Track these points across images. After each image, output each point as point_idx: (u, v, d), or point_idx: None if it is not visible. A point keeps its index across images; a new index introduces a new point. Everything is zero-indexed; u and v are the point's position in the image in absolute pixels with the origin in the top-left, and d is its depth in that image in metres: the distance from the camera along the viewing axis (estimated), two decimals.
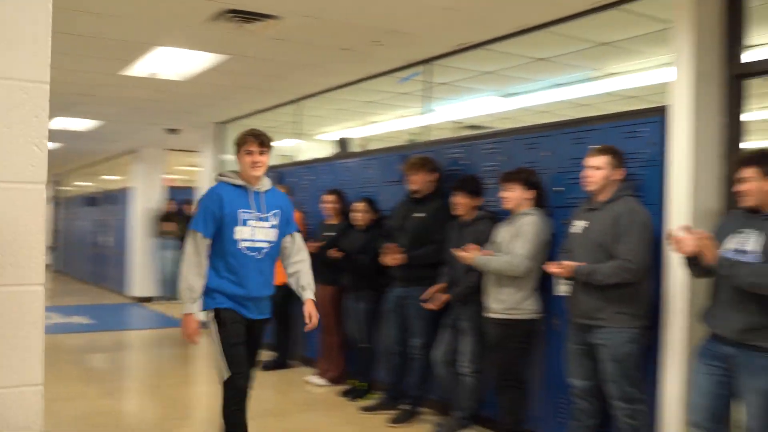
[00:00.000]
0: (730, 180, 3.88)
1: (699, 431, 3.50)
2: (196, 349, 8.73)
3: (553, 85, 7.24)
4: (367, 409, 5.59)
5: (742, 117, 4.12)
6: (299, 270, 4.08)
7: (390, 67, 6.42)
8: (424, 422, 5.29)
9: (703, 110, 4.05)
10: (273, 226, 3.95)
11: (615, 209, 3.94)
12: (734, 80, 4.13)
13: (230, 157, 9.90)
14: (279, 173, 7.96)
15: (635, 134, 4.24)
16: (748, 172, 3.39)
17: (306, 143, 9.47)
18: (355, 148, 8.32)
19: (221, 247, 3.84)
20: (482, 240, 4.78)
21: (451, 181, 5.24)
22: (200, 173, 10.51)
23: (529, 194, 4.59)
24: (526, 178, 4.61)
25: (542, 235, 4.52)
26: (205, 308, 3.85)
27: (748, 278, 3.24)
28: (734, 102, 4.14)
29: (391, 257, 5.33)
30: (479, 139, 5.55)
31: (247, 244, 3.86)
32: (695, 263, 3.49)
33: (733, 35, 4.12)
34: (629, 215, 3.88)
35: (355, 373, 6.23)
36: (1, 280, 1.56)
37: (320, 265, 6.40)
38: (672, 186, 4.04)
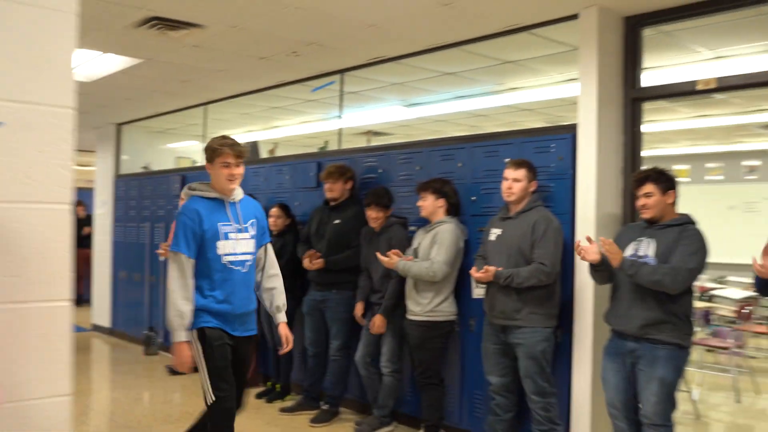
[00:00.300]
0: (629, 192, 4.35)
1: (618, 420, 3.93)
2: (91, 355, 8.57)
3: (455, 97, 7.62)
4: (286, 410, 5.73)
5: (640, 135, 4.60)
6: (275, 287, 3.95)
7: (304, 76, 6.58)
8: (343, 421, 5.50)
9: (606, 129, 4.48)
10: (252, 236, 3.80)
11: (530, 218, 4.29)
12: (633, 103, 4.59)
13: (126, 157, 9.75)
14: (183, 177, 7.95)
15: (546, 149, 4.61)
16: (648, 188, 3.83)
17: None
18: (262, 152, 8.41)
19: (205, 265, 3.63)
20: (395, 244, 5.04)
21: (366, 188, 5.48)
22: (96, 173, 10.24)
23: (441, 203, 4.88)
24: (437, 187, 4.91)
25: (458, 242, 4.82)
26: (189, 328, 3.64)
27: (650, 277, 3.67)
28: (633, 122, 4.60)
29: (311, 262, 5.50)
30: (395, 149, 5.80)
31: (231, 258, 3.68)
32: (598, 269, 3.91)
33: (632, 62, 4.58)
34: (544, 223, 4.24)
35: (271, 375, 6.34)
36: (32, 296, 1.65)
37: None
38: (579, 197, 4.44)
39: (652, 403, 3.74)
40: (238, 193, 3.80)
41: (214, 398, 3.60)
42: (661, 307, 3.72)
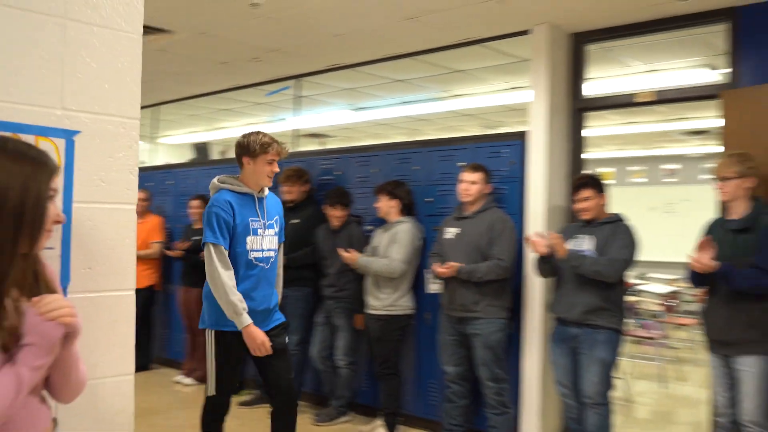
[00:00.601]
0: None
1: (568, 398, 4.35)
2: None
3: (400, 102, 7.94)
4: (244, 404, 5.93)
5: (583, 142, 5.01)
6: (278, 285, 3.94)
7: (259, 80, 6.78)
8: (301, 413, 5.69)
9: (554, 136, 4.87)
10: (276, 234, 3.81)
11: (487, 218, 4.64)
12: (577, 112, 5.00)
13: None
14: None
15: (498, 154, 4.97)
16: (587, 193, 4.27)
17: (156, 146, 9.52)
18: (211, 153, 8.54)
19: (232, 259, 3.59)
20: (353, 242, 5.33)
21: (323, 189, 5.74)
22: None
23: (394, 204, 5.19)
24: (390, 189, 5.22)
25: (415, 241, 5.13)
26: (207, 325, 3.67)
27: (592, 267, 4.11)
28: (577, 130, 5.01)
29: None
30: (352, 152, 6.08)
31: (257, 254, 3.67)
32: (546, 261, 4.31)
33: (577, 75, 4.98)
34: (501, 223, 4.60)
35: None
36: (102, 287, 1.85)
37: (187, 267, 6.64)
38: (530, 198, 4.82)
39: (593, 383, 4.16)
40: (265, 189, 3.79)
41: (213, 393, 3.68)
42: (600, 295, 4.17)
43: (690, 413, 6.31)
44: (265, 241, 3.71)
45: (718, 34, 4.59)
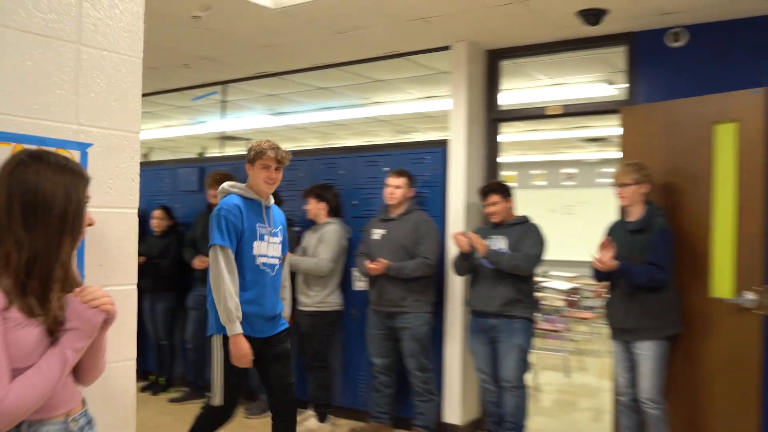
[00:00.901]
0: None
1: (488, 383, 4.78)
2: None
3: (319, 108, 8.24)
4: (174, 400, 6.10)
5: (498, 150, 5.46)
6: (284, 299, 3.94)
7: (185, 85, 6.94)
8: None
9: (472, 144, 5.29)
10: (280, 242, 3.84)
11: (412, 219, 5.01)
12: (493, 122, 5.44)
13: None
14: None
15: (421, 161, 5.36)
16: (495, 198, 4.73)
17: None
18: None
19: (239, 264, 3.60)
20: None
21: None
22: None
23: (322, 206, 5.50)
24: (318, 192, 5.53)
25: (342, 241, 5.46)
26: (215, 331, 3.62)
27: (510, 262, 4.57)
28: (493, 138, 5.45)
29: (200, 261, 5.91)
30: None
31: (264, 260, 3.69)
32: (465, 259, 4.73)
33: (492, 88, 5.43)
34: (425, 224, 4.99)
35: (152, 369, 6.64)
36: (111, 281, 2.07)
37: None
38: (450, 201, 5.23)
39: (512, 368, 4.62)
40: (270, 198, 3.83)
41: (218, 403, 3.61)
42: (515, 288, 4.64)
43: (591, 401, 6.87)
44: (271, 248, 3.73)
45: (616, 54, 5.13)
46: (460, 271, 4.91)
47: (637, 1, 4.31)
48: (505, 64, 5.51)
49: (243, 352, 3.52)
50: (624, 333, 4.27)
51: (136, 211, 2.18)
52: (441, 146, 5.34)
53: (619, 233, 4.35)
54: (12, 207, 1.65)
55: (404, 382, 5.13)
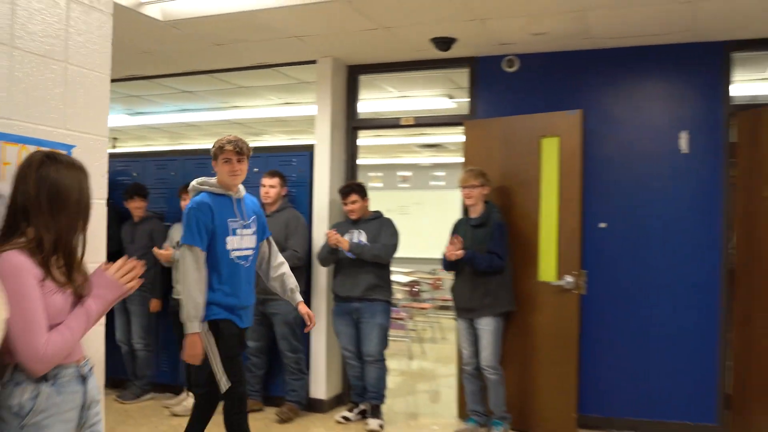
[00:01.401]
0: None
1: (351, 360, 5.45)
2: None
3: (177, 110, 8.55)
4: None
5: (356, 154, 6.14)
6: (284, 273, 4.06)
7: None
8: (106, 395, 6.18)
9: (335, 149, 5.92)
10: (254, 233, 3.90)
11: (283, 216, 5.56)
12: (352, 130, 6.10)
13: None
14: None
15: (289, 163, 5.92)
16: (354, 197, 5.40)
17: None
18: None
19: (214, 259, 3.70)
20: (154, 235, 5.96)
21: (118, 189, 6.22)
22: None
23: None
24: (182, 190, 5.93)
25: None
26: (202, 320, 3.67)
27: (371, 252, 5.28)
28: (352, 144, 6.11)
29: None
30: (152, 156, 6.70)
31: (237, 253, 3.78)
32: (332, 252, 5.35)
33: (352, 99, 6.09)
34: (295, 220, 5.56)
35: None
36: (92, 259, 2.45)
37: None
38: (316, 200, 5.83)
39: (374, 344, 5.32)
40: (241, 190, 3.89)
41: (229, 384, 3.67)
42: (376, 275, 5.34)
43: (431, 384, 7.67)
44: (244, 240, 3.81)
45: (457, 73, 5.96)
46: (325, 263, 5.52)
47: (481, 33, 5.12)
48: (363, 78, 6.19)
49: (195, 351, 3.62)
50: (468, 312, 5.07)
51: (104, 201, 2.60)
52: (307, 150, 5.93)
53: (463, 228, 5.15)
54: (40, 199, 2.08)
55: (275, 363, 5.67)
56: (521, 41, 5.30)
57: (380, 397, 5.40)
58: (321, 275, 5.78)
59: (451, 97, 7.17)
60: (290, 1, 4.56)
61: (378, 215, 5.54)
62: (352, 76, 6.10)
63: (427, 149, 11.72)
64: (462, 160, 5.62)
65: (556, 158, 5.14)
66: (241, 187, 3.89)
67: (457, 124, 5.85)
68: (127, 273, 2.22)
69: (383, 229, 5.43)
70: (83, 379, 2.24)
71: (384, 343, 5.41)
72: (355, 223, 5.48)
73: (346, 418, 5.48)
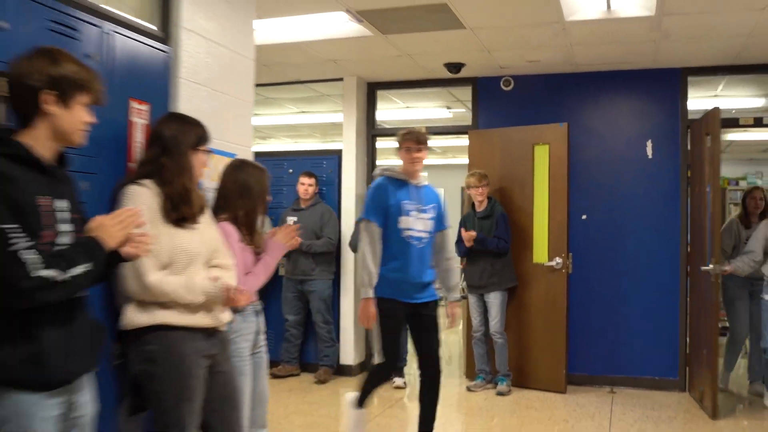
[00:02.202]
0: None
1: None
2: None
3: None
4: None
5: (375, 157, 7.23)
6: (449, 269, 4.33)
7: None
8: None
9: (358, 153, 6.99)
10: (431, 219, 4.18)
11: (318, 209, 6.60)
12: (371, 137, 7.19)
13: None
14: None
15: (320, 164, 6.97)
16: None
17: None
18: None
19: (386, 236, 4.06)
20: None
21: None
22: None
23: None
24: None
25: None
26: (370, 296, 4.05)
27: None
28: (372, 148, 7.20)
29: None
30: None
31: (409, 233, 4.06)
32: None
33: (372, 111, 7.17)
34: (328, 213, 6.62)
35: None
36: None
37: None
38: (344, 196, 6.90)
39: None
40: (422, 180, 4.27)
41: (381, 360, 4.06)
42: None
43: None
44: (418, 223, 4.11)
45: (457, 90, 7.10)
46: (356, 249, 6.55)
47: (484, 59, 6.23)
48: (380, 93, 7.28)
49: (368, 315, 4.01)
50: (479, 288, 6.18)
51: None
52: (336, 154, 7.01)
53: (471, 221, 6.25)
54: (237, 190, 3.14)
55: (309, 334, 6.73)
56: (517, 66, 6.44)
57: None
58: (349, 258, 6.82)
59: (448, 108, 8.31)
60: (334, 35, 5.62)
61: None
62: (371, 91, 7.18)
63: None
64: (447, 162, 6.73)
65: (547, 163, 6.28)
66: (423, 177, 4.29)
67: (462, 132, 6.99)
68: (287, 235, 3.28)
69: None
70: (257, 313, 3.30)
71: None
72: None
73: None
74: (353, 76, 6.91)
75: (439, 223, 4.27)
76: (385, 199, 4.08)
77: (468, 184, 6.26)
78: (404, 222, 4.06)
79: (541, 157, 6.34)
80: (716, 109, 5.49)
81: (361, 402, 4.27)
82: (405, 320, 4.13)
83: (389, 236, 4.07)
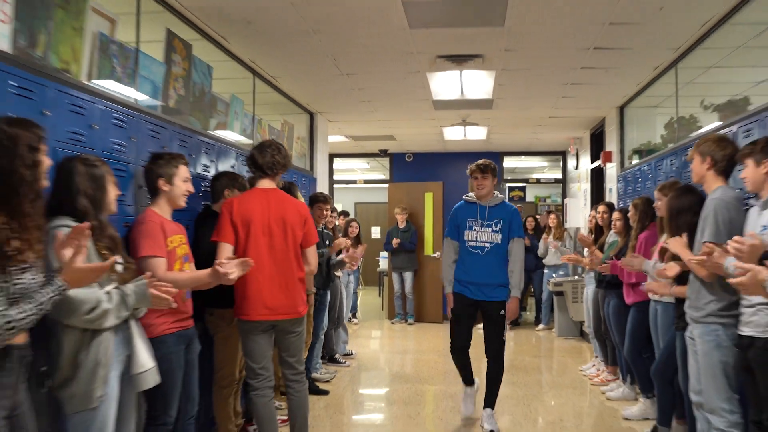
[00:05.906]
0: None
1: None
2: None
3: None
4: None
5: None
6: (513, 270, 4.85)
7: None
8: None
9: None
10: (494, 231, 4.78)
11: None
12: (330, 157, 12.36)
13: None
14: None
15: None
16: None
17: None
18: None
19: (459, 247, 4.90)
20: None
21: None
22: None
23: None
24: None
25: None
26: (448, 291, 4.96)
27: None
28: (331, 170, 12.39)
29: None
30: None
31: (472, 243, 4.81)
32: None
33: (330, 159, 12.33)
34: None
35: None
36: None
37: None
38: None
39: None
40: (494, 200, 4.91)
41: (451, 341, 4.97)
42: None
43: None
44: (480, 235, 4.84)
45: (384, 160, 12.49)
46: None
47: (399, 146, 11.56)
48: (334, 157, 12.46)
49: (450, 305, 4.93)
50: (399, 269, 11.45)
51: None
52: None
53: (396, 233, 11.46)
54: None
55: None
56: (414, 146, 11.78)
57: None
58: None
59: (369, 164, 13.66)
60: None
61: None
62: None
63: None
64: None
65: (432, 203, 11.58)
66: (495, 196, 4.97)
67: (385, 182, 12.41)
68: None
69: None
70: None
71: None
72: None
73: None
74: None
75: (509, 232, 4.89)
76: (454, 219, 5.02)
77: (396, 212, 11.41)
78: (467, 235, 4.89)
79: (429, 199, 11.64)
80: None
81: (465, 381, 5.19)
82: (470, 311, 4.91)
83: (461, 247, 4.95)
